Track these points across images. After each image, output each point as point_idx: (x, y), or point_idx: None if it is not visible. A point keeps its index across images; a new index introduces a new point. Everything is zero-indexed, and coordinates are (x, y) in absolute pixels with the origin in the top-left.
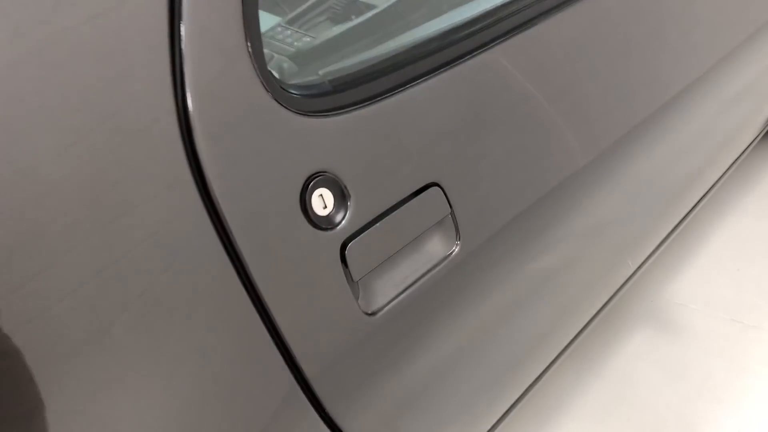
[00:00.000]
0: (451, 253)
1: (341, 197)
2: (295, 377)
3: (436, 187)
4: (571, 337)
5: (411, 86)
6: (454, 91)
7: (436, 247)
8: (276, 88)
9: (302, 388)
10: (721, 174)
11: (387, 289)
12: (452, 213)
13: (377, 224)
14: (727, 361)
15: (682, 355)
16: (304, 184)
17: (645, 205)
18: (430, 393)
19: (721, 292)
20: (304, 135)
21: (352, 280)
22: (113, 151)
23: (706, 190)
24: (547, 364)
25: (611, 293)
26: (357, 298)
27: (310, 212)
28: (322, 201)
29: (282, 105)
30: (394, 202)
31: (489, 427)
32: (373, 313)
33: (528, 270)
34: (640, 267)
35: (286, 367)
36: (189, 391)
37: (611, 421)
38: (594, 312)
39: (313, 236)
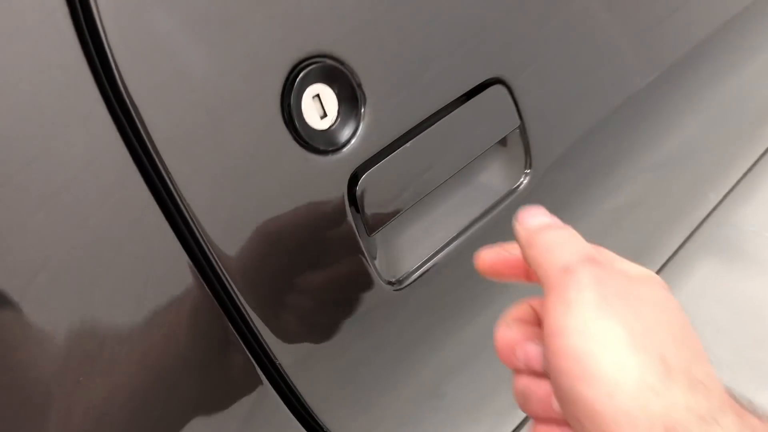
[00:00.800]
0: (518, 186)
1: (350, 100)
2: (267, 375)
3: (500, 86)
4: None
5: None
6: None
7: (496, 179)
8: None
9: (278, 390)
10: None
11: (420, 244)
12: (522, 126)
13: (407, 144)
14: None
15: (754, 291)
16: (288, 77)
17: (730, 128)
18: (472, 370)
19: None
20: None
21: (366, 232)
22: None
23: None
24: None
25: (690, 230)
26: (373, 259)
27: (297, 124)
28: (319, 105)
29: None
30: (434, 109)
31: None
32: (397, 282)
33: (601, 208)
34: (722, 200)
35: (252, 363)
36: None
37: None
38: (671, 252)
39: (304, 162)
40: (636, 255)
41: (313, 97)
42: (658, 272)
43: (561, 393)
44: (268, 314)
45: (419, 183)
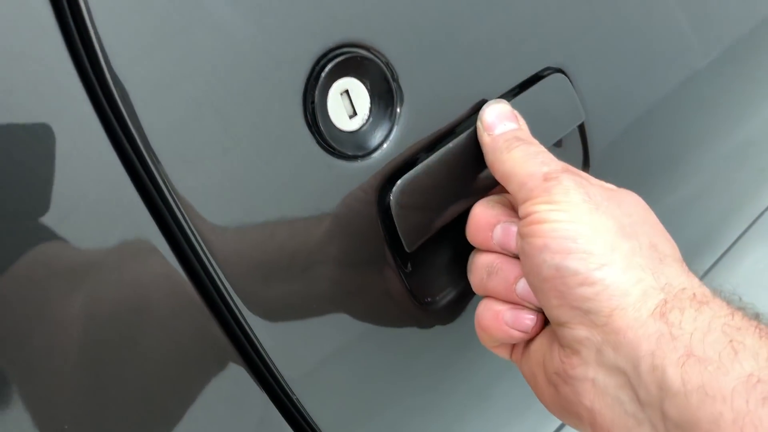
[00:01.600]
0: None
1: (384, 96)
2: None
3: (560, 75)
4: (701, 274)
5: None
6: None
7: None
8: None
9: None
10: None
11: (462, 259)
12: (584, 124)
13: (450, 145)
14: None
15: None
16: (312, 70)
17: None
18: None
19: None
20: None
21: (400, 248)
22: None
23: None
24: None
25: (753, 218)
26: (407, 277)
27: (322, 125)
28: (348, 103)
29: None
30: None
31: None
32: (431, 303)
33: (661, 203)
34: None
35: (259, 389)
36: None
37: None
38: (730, 242)
39: (329, 170)
40: (695, 248)
41: (342, 94)
42: (714, 264)
43: (542, 271)
44: (281, 335)
45: (462, 192)
